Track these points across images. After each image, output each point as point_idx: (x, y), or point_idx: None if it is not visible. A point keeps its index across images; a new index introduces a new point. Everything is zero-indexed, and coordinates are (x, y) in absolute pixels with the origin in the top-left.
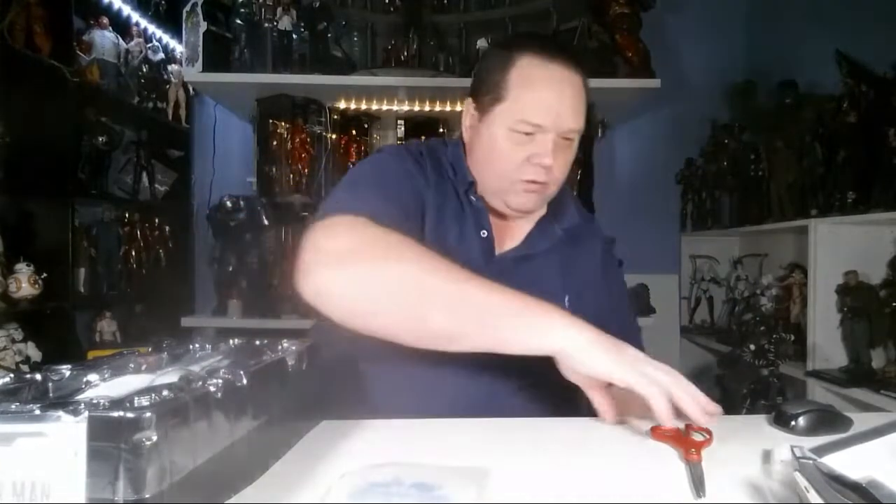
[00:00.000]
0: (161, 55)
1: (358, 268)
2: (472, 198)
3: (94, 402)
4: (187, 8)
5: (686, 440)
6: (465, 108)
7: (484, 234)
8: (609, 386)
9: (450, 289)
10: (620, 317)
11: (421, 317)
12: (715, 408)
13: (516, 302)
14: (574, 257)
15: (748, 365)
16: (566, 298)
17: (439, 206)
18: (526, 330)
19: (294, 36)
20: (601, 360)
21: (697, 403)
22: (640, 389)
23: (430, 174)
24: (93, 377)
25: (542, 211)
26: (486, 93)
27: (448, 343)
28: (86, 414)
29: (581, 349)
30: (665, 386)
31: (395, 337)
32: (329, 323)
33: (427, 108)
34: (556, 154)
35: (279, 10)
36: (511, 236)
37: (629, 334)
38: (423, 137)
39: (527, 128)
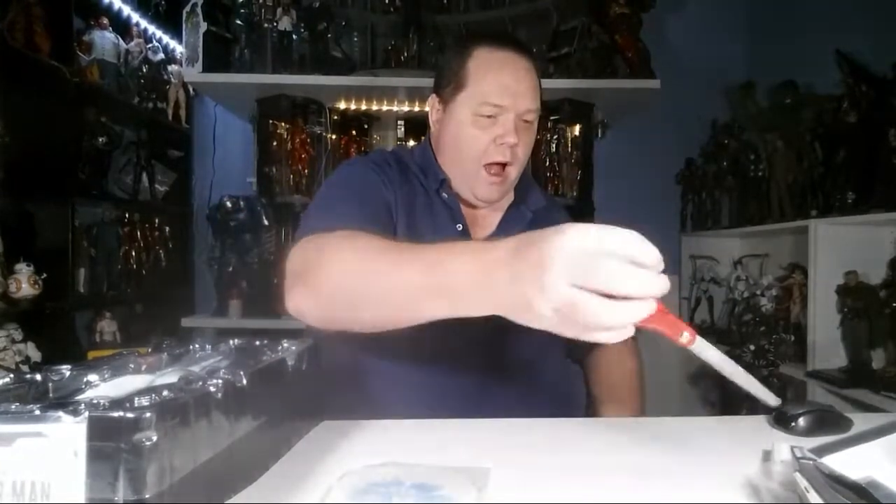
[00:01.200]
0: (161, 55)
1: (311, 280)
2: (444, 194)
3: (94, 402)
4: (187, 8)
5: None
6: (431, 104)
7: (459, 227)
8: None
9: (374, 282)
10: None
11: (354, 308)
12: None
13: (434, 276)
14: None
15: (748, 365)
16: None
17: (409, 207)
18: (447, 308)
19: (294, 36)
20: (527, 321)
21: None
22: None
23: (396, 178)
24: (93, 377)
25: (510, 198)
26: (447, 85)
27: (394, 326)
28: (86, 414)
29: (508, 313)
30: (617, 321)
31: (374, 329)
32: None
33: (427, 108)
34: (517, 134)
35: (279, 10)
36: (484, 226)
37: None
38: (423, 138)
39: (489, 109)
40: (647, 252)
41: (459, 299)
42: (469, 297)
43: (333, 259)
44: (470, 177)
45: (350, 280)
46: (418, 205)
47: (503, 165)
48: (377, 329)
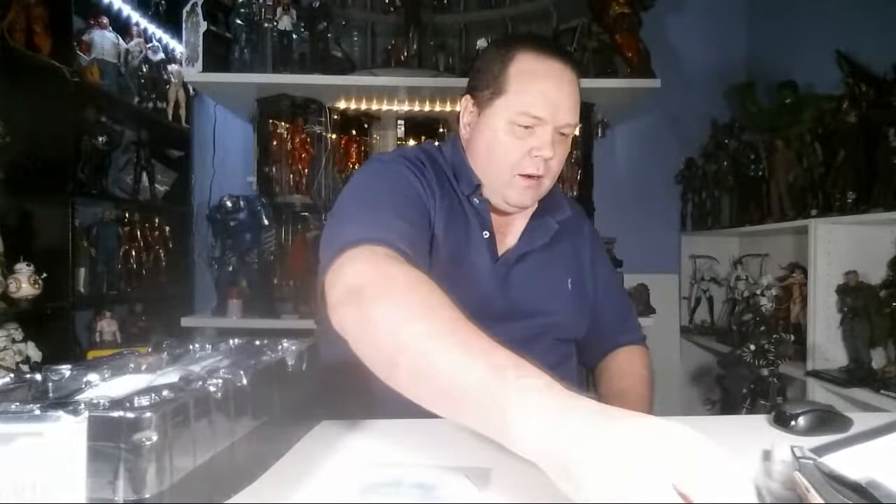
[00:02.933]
0: (161, 55)
1: (372, 315)
2: (476, 200)
3: (94, 402)
4: (187, 8)
5: None
6: (463, 105)
7: (486, 234)
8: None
9: (419, 347)
10: (616, 300)
11: (391, 366)
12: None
13: (477, 372)
14: (568, 246)
15: (748, 365)
16: (569, 281)
17: (446, 213)
18: (483, 419)
19: (294, 36)
20: (575, 488)
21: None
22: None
23: (433, 181)
24: (93, 377)
25: (534, 206)
26: (484, 88)
27: (418, 402)
28: (86, 414)
29: (553, 474)
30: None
31: (397, 389)
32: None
33: (427, 108)
34: (553, 148)
35: (279, 10)
36: (509, 234)
37: (623, 317)
38: (423, 137)
39: (527, 120)
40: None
41: (508, 430)
42: (520, 437)
43: (400, 312)
44: (502, 183)
45: (406, 341)
46: (453, 210)
47: (537, 178)
48: (408, 396)
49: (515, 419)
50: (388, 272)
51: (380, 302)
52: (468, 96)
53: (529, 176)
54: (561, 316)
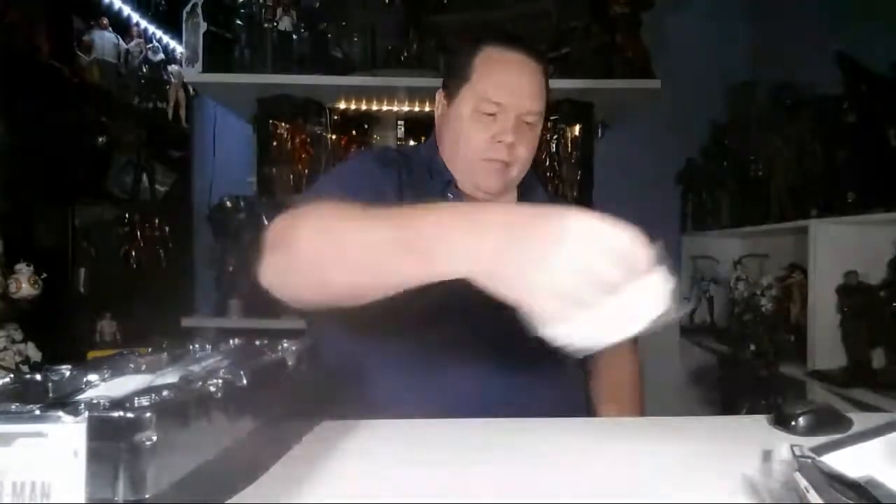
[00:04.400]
0: (161, 55)
1: (280, 249)
2: (450, 195)
3: (94, 402)
4: (187, 8)
5: None
6: (437, 100)
7: None
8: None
9: (341, 241)
10: None
11: (324, 283)
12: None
13: (404, 231)
14: None
15: (748, 365)
16: None
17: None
18: (415, 265)
19: (294, 36)
20: (505, 289)
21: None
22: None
23: (403, 173)
24: (93, 377)
25: (513, 197)
26: (452, 78)
27: (366, 293)
28: (86, 414)
29: (484, 278)
30: (593, 297)
31: (349, 300)
32: (323, 324)
33: (427, 108)
34: (517, 135)
35: (279, 10)
36: None
37: None
38: (423, 138)
39: (489, 107)
40: (640, 256)
41: (431, 254)
42: (443, 253)
43: (301, 225)
44: (470, 170)
45: (317, 243)
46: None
47: (502, 162)
48: (352, 300)
49: (439, 249)
50: (299, 212)
51: (291, 230)
52: (441, 91)
53: (495, 160)
54: None
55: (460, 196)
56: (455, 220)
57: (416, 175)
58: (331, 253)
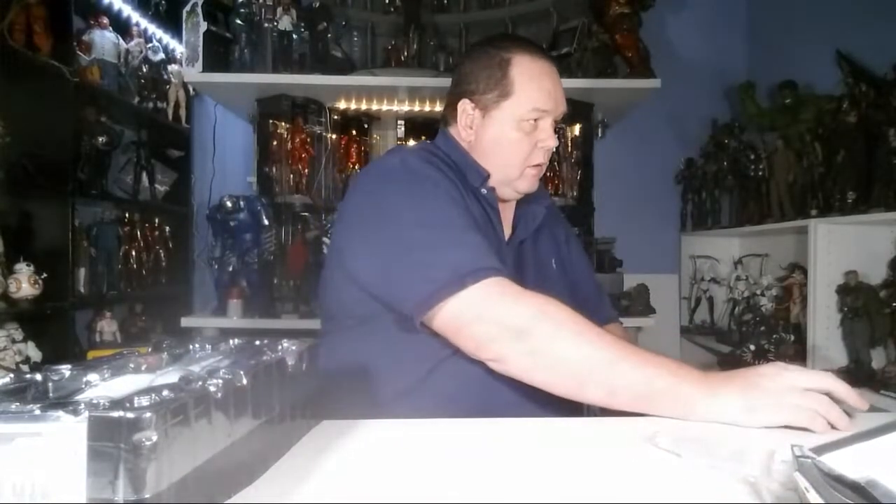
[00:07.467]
0: (161, 55)
1: (540, 348)
2: (484, 190)
3: (94, 402)
4: (187, 8)
5: None
6: (461, 109)
7: (495, 223)
8: None
9: (609, 370)
10: (590, 277)
11: (580, 386)
12: (863, 403)
13: (662, 380)
14: (548, 229)
15: (748, 365)
16: (553, 261)
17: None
18: (672, 409)
19: (294, 36)
20: (756, 419)
21: (846, 419)
22: (801, 425)
23: (449, 172)
24: (93, 377)
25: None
26: (486, 91)
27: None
28: (86, 414)
29: (733, 417)
30: (815, 408)
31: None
32: (341, 333)
33: (427, 108)
34: (553, 136)
35: (279, 10)
36: (504, 222)
37: (598, 293)
38: (423, 137)
39: (535, 115)
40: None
41: (690, 405)
42: (698, 407)
43: (560, 325)
44: (514, 177)
45: (583, 357)
46: (472, 204)
47: (542, 166)
48: (586, 402)
49: (700, 400)
50: (541, 308)
51: (555, 338)
52: (466, 100)
53: (537, 165)
54: (552, 296)
55: (492, 192)
56: (701, 381)
57: (456, 174)
58: (600, 377)
